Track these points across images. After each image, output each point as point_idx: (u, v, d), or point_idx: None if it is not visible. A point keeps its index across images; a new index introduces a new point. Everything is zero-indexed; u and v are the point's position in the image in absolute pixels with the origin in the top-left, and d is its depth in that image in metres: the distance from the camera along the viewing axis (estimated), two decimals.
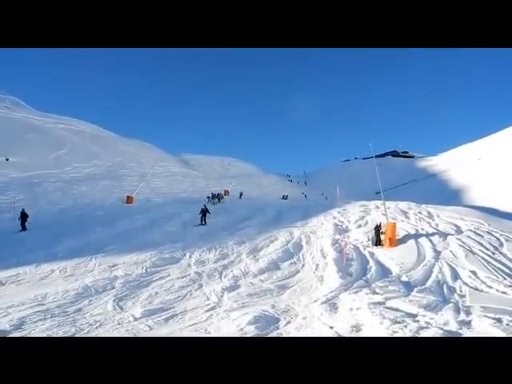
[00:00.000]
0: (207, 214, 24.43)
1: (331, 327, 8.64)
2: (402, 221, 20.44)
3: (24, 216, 22.03)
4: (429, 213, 22.26)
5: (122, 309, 10.78)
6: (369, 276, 12.85)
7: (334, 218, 23.49)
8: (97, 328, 9.32)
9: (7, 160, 34.97)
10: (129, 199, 34.05)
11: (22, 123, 44.29)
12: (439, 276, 12.38)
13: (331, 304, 10.34)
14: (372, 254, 15.32)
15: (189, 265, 15.38)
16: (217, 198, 38.51)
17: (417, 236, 17.23)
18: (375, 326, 8.20)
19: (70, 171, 38.33)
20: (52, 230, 21.67)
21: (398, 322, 8.28)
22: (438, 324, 8.33)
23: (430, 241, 16.27)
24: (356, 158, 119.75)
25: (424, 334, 7.58)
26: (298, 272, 14.27)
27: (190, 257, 16.46)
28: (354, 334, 8.11)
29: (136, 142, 61.34)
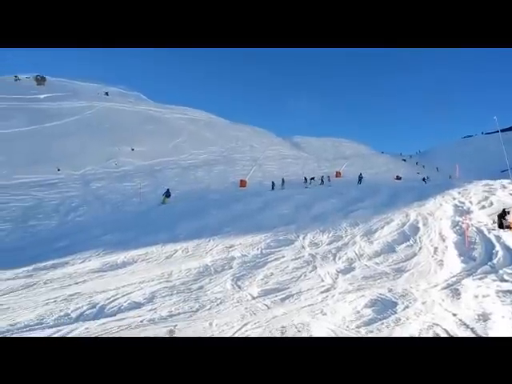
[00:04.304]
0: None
1: (454, 314, 8.20)
2: None
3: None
4: None
5: (240, 288, 11.30)
6: (495, 261, 11.86)
7: (454, 198, 21.98)
8: (218, 305, 9.89)
9: (132, 150, 38.47)
10: (242, 183, 35.34)
11: (143, 115, 48.16)
12: None
13: (453, 290, 9.75)
14: (498, 238, 14.10)
15: (302, 246, 15.59)
16: (310, 180, 38.58)
17: None
18: (506, 317, 7.60)
19: (187, 158, 40.86)
20: (174, 213, 23.37)
21: None
22: None
23: None
24: (476, 134, 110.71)
25: None
26: (414, 255, 13.68)
27: (304, 238, 16.66)
28: (480, 324, 7.62)
29: (248, 128, 63.22)
